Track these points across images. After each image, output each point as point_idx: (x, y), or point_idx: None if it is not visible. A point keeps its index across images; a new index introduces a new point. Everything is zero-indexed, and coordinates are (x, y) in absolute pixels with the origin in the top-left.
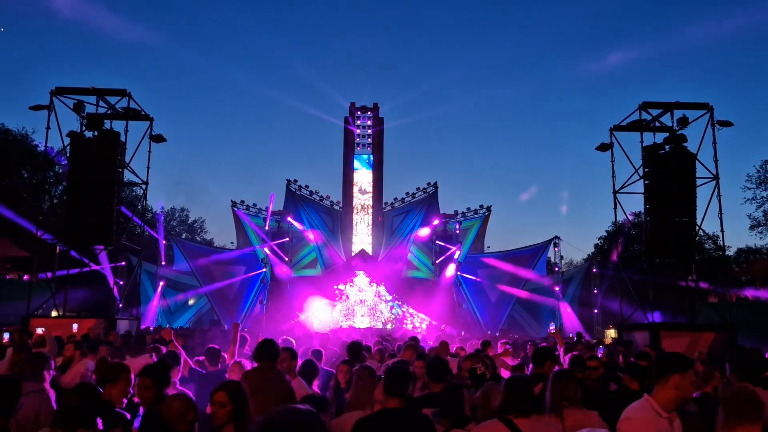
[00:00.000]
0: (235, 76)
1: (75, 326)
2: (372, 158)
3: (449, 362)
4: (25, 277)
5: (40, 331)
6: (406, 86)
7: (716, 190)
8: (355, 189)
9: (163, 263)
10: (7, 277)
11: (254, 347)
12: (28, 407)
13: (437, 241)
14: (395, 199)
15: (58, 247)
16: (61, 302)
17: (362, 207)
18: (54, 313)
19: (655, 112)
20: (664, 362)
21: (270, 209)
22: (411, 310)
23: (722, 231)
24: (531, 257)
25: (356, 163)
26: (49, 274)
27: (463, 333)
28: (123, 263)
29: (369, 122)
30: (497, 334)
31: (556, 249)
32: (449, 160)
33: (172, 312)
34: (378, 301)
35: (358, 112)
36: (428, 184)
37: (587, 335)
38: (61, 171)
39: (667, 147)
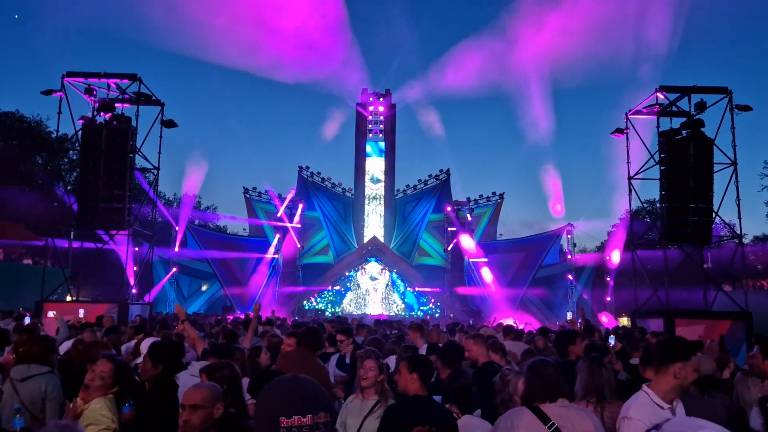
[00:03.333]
0: (247, 62)
1: (81, 311)
2: (384, 144)
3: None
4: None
5: (51, 314)
6: (419, 72)
7: (734, 176)
8: (367, 177)
9: (177, 249)
10: (24, 258)
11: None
12: (34, 389)
13: (449, 228)
14: (407, 186)
15: (72, 232)
16: (75, 287)
17: (374, 197)
18: (68, 298)
19: (672, 96)
20: (666, 349)
21: (287, 200)
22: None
23: (740, 218)
24: (543, 245)
25: (368, 149)
26: (66, 242)
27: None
28: (136, 248)
29: (381, 108)
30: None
31: (568, 236)
32: (462, 146)
33: (185, 298)
34: (390, 289)
35: (371, 98)
36: (441, 171)
37: (615, 322)
38: (75, 158)
39: (684, 132)
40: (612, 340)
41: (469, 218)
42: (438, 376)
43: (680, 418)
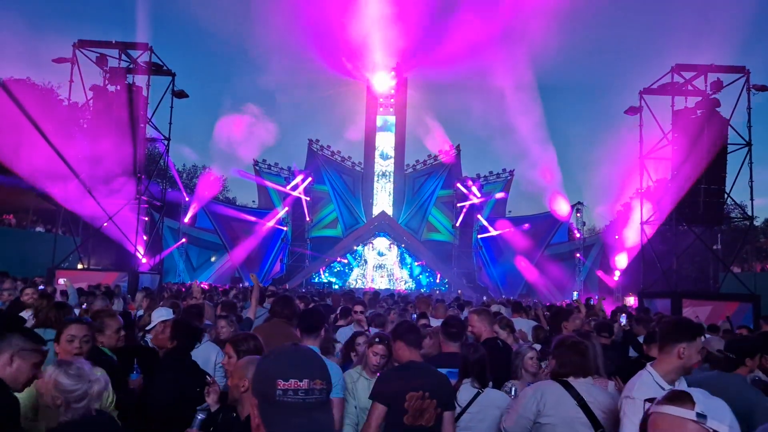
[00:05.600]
0: (259, 34)
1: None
2: (395, 119)
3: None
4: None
5: (61, 281)
6: (430, 46)
7: (748, 157)
8: (377, 153)
9: (187, 222)
10: (36, 226)
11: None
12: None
13: (458, 204)
14: (417, 161)
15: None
16: (86, 255)
17: (383, 174)
18: (79, 266)
19: (688, 75)
20: (671, 329)
21: (302, 175)
22: None
23: (751, 200)
24: (552, 223)
25: (378, 124)
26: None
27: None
28: (146, 218)
29: (392, 82)
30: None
31: (578, 215)
32: (473, 122)
33: (194, 269)
34: (398, 265)
35: (382, 72)
36: (450, 146)
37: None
38: (86, 126)
39: (698, 112)
40: (623, 320)
41: (479, 194)
42: (440, 350)
43: (701, 392)
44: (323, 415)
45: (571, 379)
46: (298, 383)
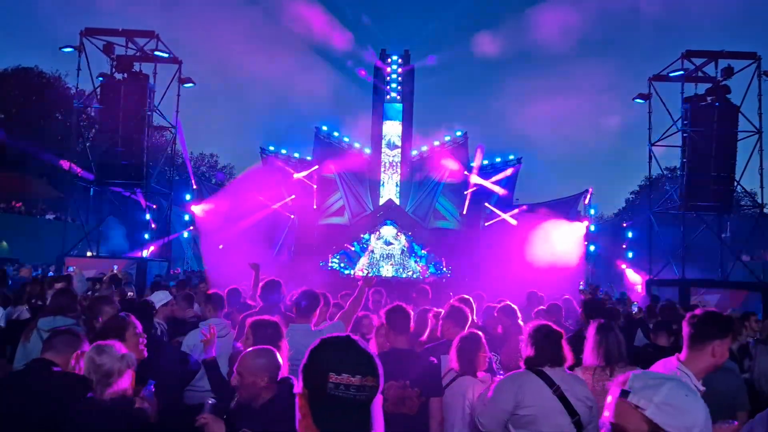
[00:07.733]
0: (265, 22)
1: (116, 267)
2: (402, 107)
3: None
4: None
5: (70, 269)
6: (438, 33)
7: (758, 144)
8: (384, 142)
9: (195, 209)
10: (47, 214)
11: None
12: None
13: (465, 191)
14: (423, 150)
15: (92, 189)
16: (96, 243)
17: (391, 164)
18: (89, 254)
19: (698, 61)
20: (704, 326)
21: (311, 164)
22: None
23: (761, 187)
24: (560, 210)
25: (385, 111)
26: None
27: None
28: (154, 206)
29: (399, 69)
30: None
31: (585, 203)
32: (481, 109)
33: (203, 256)
34: (406, 254)
35: (389, 59)
36: (458, 134)
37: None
38: (93, 114)
39: (709, 98)
40: (635, 308)
41: (486, 181)
42: (442, 336)
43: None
44: (369, 414)
45: (546, 369)
46: (351, 379)
